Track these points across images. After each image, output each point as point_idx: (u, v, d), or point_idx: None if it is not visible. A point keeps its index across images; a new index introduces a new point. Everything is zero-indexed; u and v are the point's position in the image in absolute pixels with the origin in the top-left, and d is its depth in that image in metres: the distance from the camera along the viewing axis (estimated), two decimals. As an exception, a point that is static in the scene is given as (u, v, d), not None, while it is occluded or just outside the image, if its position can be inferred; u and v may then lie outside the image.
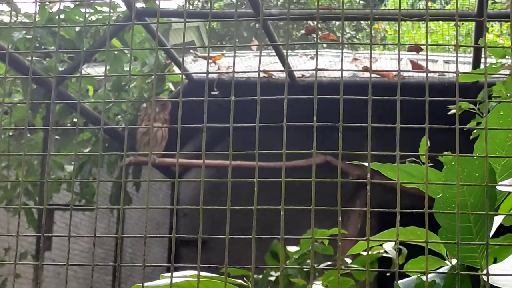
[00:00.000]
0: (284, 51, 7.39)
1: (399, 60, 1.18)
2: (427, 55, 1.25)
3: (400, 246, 4.85)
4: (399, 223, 1.21)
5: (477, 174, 1.49)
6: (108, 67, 7.73)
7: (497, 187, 1.57)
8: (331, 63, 9.20)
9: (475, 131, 3.28)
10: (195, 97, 1.69)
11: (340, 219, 1.18)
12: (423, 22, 11.91)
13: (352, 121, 1.31)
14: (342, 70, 1.20)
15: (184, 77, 8.06)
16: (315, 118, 1.15)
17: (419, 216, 1.24)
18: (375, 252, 4.65)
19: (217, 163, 7.80)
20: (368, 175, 1.19)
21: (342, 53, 1.25)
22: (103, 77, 7.98)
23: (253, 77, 8.60)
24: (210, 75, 8.20)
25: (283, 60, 7.55)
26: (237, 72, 8.34)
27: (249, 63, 9.40)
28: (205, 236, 1.28)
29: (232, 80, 1.27)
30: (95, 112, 7.67)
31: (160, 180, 2.67)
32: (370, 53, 1.16)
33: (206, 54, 8.59)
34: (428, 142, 1.37)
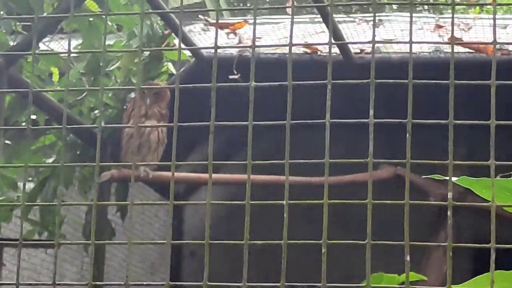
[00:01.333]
0: (335, 15, 7.38)
1: None
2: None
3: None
4: (493, 264, 1.20)
5: None
6: (80, 41, 7.76)
7: None
8: (403, 33, 9.17)
9: None
10: (207, 82, 1.71)
11: (408, 258, 1.18)
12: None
13: (432, 116, 1.32)
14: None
15: (191, 53, 8.08)
16: (371, 112, 1.16)
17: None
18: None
19: (238, 178, 7.76)
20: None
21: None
22: (75, 55, 7.99)
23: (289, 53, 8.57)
24: (228, 52, 8.19)
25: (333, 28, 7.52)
26: (270, 47, 8.31)
27: (284, 33, 9.39)
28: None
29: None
30: (62, 105, 7.69)
31: (160, 204, 2.69)
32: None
33: (222, 21, 8.57)
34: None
